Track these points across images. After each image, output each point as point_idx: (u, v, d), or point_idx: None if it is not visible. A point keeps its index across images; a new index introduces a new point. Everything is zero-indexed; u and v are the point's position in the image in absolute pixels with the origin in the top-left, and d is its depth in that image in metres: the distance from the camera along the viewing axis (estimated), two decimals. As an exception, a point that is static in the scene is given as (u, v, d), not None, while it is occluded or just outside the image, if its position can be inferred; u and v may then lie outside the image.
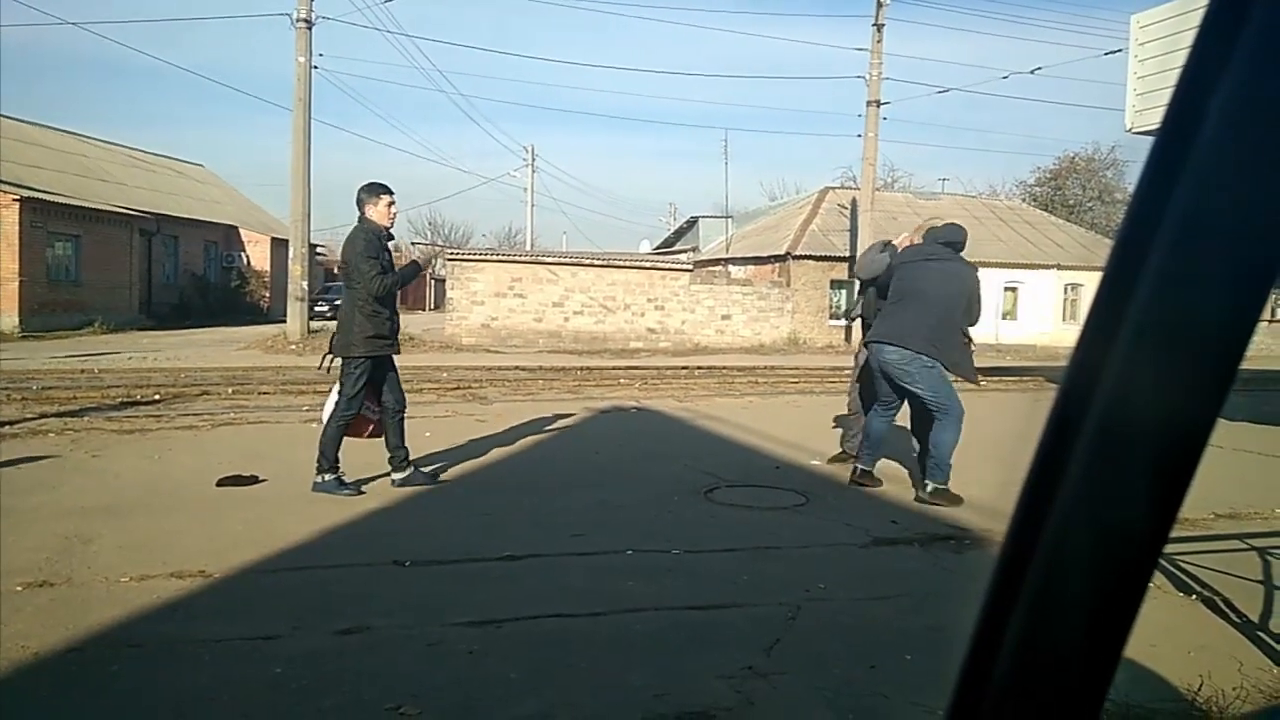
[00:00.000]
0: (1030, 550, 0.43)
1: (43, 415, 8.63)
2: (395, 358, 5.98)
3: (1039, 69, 30.63)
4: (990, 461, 6.75)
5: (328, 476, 5.60)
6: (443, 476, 6.22)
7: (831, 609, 3.84)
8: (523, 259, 23.74)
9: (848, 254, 25.67)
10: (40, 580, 3.88)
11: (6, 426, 7.90)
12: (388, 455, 5.86)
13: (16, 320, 21.08)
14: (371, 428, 5.89)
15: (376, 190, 5.70)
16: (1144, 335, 0.41)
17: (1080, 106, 77.54)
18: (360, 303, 5.61)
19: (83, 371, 13.38)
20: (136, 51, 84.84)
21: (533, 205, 45.71)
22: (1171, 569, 4.20)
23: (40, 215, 22.30)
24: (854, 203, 26.12)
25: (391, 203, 5.73)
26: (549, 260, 23.34)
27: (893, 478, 6.46)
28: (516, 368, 15.76)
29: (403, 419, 5.93)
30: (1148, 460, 0.41)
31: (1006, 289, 28.35)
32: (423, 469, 6.06)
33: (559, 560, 4.43)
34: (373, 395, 5.83)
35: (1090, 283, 26.98)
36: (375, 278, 5.56)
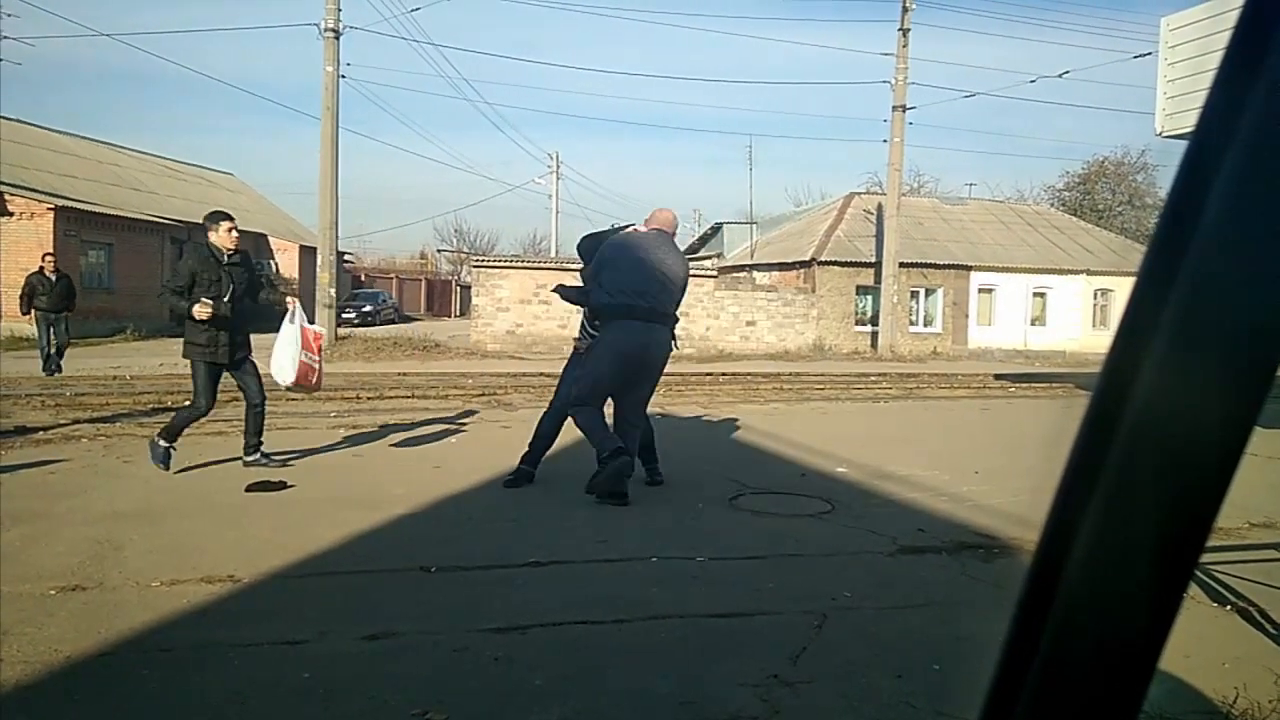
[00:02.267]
0: (1063, 559, 0.43)
1: (76, 421, 8.76)
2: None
3: (1067, 73, 30.49)
4: (1020, 469, 6.68)
5: (162, 443, 6.25)
6: (469, 482, 6.25)
7: (858, 617, 3.81)
8: (547, 265, 23.76)
9: (873, 260, 25.55)
10: (73, 585, 3.94)
11: (41, 432, 8.03)
12: (243, 442, 6.56)
13: (50, 327, 21.41)
14: (314, 377, 6.58)
15: (218, 217, 6.39)
16: (1179, 341, 0.41)
17: (1109, 110, 76.70)
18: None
19: (115, 378, 13.58)
20: (167, 61, 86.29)
21: (557, 212, 45.87)
22: (1206, 579, 4.13)
23: (74, 224, 22.71)
24: (880, 208, 26.00)
25: (232, 228, 6.38)
26: (574, 267, 23.27)
27: (920, 485, 6.41)
28: (541, 374, 15.78)
29: (260, 411, 6.52)
30: (1183, 468, 0.41)
31: (1035, 294, 28.03)
32: (272, 456, 6.61)
33: (583, 567, 4.44)
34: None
35: (1121, 288, 26.76)
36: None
